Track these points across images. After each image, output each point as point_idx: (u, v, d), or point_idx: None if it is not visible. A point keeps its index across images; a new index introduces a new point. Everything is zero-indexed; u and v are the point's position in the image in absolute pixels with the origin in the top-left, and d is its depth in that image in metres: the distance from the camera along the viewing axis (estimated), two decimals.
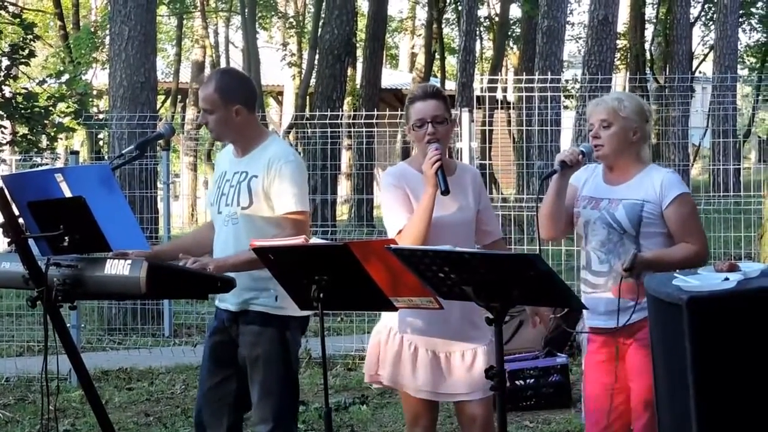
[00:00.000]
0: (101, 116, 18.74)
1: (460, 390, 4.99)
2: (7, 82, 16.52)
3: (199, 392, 5.41)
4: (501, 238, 5.24)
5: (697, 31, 35.63)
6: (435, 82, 32.60)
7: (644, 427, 4.91)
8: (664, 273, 4.64)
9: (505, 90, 28.15)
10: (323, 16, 20.32)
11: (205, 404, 5.31)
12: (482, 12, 32.18)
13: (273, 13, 33.51)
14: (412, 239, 4.77)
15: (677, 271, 4.58)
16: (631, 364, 4.96)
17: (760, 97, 26.12)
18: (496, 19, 32.83)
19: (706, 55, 37.66)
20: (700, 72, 36.87)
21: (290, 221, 5.06)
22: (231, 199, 5.18)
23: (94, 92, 21.94)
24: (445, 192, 4.77)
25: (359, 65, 26.37)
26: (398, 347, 5.01)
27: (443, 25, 34.99)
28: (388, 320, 5.07)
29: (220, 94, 5.17)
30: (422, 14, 37.17)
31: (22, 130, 16.38)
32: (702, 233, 5.05)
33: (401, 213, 4.93)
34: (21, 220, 4.40)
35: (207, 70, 30.68)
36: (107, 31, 16.42)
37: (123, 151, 5.09)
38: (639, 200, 4.93)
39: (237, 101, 5.19)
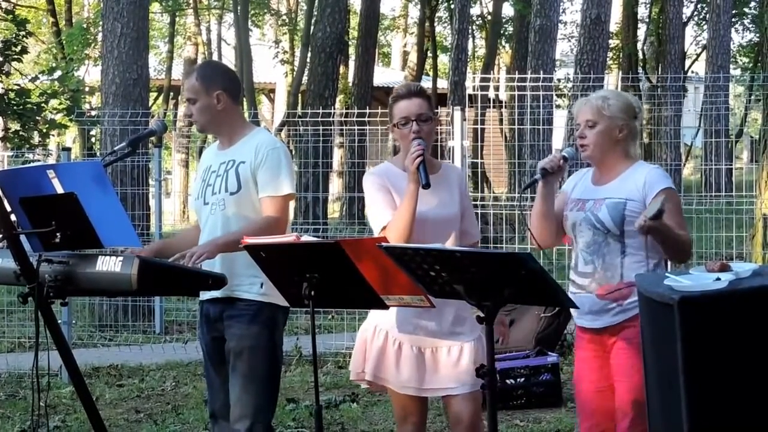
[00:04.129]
0: (93, 113, 18.69)
1: (445, 384, 4.96)
2: None
3: (209, 388, 5.46)
4: (477, 240, 5.26)
5: (689, 31, 35.71)
6: (427, 80, 32.66)
7: (629, 427, 4.90)
8: (655, 273, 4.64)
9: (497, 89, 28.19)
10: (316, 13, 20.33)
11: (216, 397, 5.36)
12: (475, 10, 32.17)
13: (265, 10, 33.51)
14: (396, 235, 4.77)
15: (668, 271, 4.57)
16: (616, 364, 4.96)
17: (752, 97, 26.16)
18: (489, 17, 32.83)
19: (698, 55, 37.73)
20: (692, 72, 36.91)
21: (273, 204, 5.13)
22: (218, 188, 5.21)
23: (87, 89, 21.87)
24: (426, 186, 4.78)
25: (351, 63, 26.36)
26: (383, 343, 4.99)
27: (436, 24, 35.01)
28: (374, 318, 5.08)
29: (201, 81, 5.24)
30: (415, 12, 37.17)
31: (14, 126, 16.33)
32: (687, 227, 5.03)
33: (385, 210, 4.94)
34: (13, 216, 4.40)
35: None
36: (100, 28, 16.39)
37: (115, 148, 5.10)
38: (622, 199, 4.90)
39: (218, 86, 5.24)
